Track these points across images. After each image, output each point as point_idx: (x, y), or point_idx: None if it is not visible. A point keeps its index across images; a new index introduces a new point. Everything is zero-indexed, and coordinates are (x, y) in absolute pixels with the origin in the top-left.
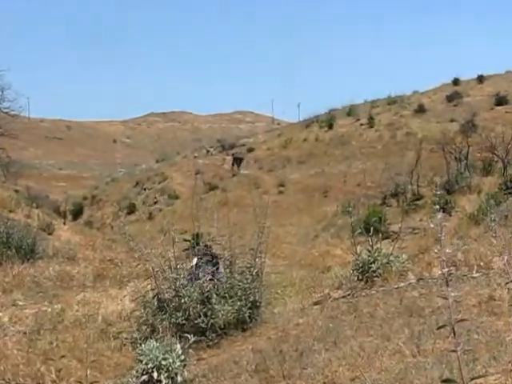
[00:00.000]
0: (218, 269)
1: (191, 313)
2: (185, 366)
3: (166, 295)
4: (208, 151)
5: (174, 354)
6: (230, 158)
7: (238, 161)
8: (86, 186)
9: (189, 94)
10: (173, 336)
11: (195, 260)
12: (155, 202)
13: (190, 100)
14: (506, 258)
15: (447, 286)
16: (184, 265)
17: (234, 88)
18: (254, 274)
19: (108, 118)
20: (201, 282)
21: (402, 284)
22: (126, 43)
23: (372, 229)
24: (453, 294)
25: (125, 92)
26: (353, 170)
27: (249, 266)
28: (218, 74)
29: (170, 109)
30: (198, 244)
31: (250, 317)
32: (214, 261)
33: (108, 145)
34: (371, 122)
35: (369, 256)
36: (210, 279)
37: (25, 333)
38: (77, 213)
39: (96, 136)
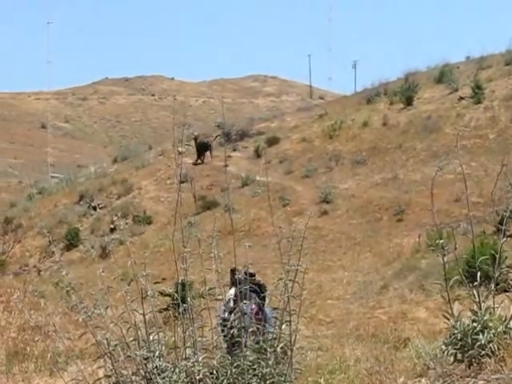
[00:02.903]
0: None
1: None
2: None
3: None
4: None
5: None
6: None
7: (202, 148)
8: None
9: (166, 50)
10: None
11: (233, 291)
12: (112, 230)
13: (171, 60)
14: None
15: None
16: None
17: (245, 39)
18: (278, 350)
19: (33, 88)
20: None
21: None
22: None
23: (479, 275)
24: None
25: (61, 48)
26: (446, 175)
27: (270, 337)
28: (217, 19)
29: (138, 73)
30: (183, 300)
31: None
32: (260, 294)
33: (33, 132)
34: (478, 94)
35: (474, 321)
36: (256, 316)
37: None
38: None
39: (13, 118)
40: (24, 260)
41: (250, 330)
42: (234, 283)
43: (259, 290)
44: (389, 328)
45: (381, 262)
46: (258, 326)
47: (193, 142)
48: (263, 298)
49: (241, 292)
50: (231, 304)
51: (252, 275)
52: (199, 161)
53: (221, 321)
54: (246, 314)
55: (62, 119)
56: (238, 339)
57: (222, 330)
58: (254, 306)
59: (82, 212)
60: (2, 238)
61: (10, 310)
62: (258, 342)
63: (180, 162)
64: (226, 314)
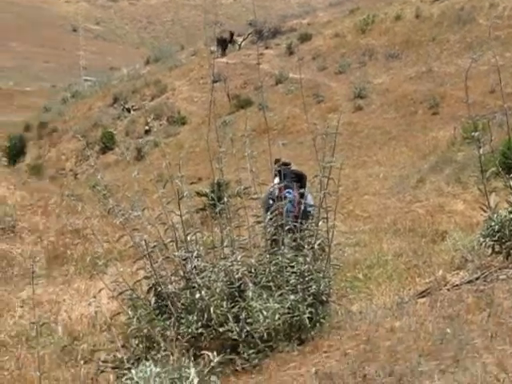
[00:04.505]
0: (303, 194)
1: (213, 316)
2: None
3: (171, 287)
4: (234, 42)
5: None
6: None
7: (222, 44)
8: (28, 107)
9: None
10: (183, 355)
11: (276, 180)
12: (147, 132)
13: None
14: None
15: None
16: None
17: None
18: (316, 247)
19: None
20: (287, 205)
21: None
22: None
23: None
24: None
25: None
26: (481, 66)
27: (307, 234)
28: None
29: None
30: (219, 199)
31: (311, 319)
32: (300, 182)
33: (64, 36)
34: None
35: (511, 213)
36: (299, 203)
37: None
38: (15, 153)
39: (42, 21)
40: (60, 164)
41: (287, 227)
42: (278, 173)
43: (300, 179)
44: (426, 222)
45: (416, 155)
46: (296, 224)
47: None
48: (304, 186)
49: (285, 179)
50: (276, 192)
51: (287, 164)
52: (219, 55)
53: (267, 207)
54: (290, 201)
55: (92, 22)
56: (275, 237)
57: (269, 218)
58: (296, 193)
59: (116, 114)
60: (37, 142)
61: (47, 215)
62: (295, 240)
63: (213, 62)
64: (271, 202)
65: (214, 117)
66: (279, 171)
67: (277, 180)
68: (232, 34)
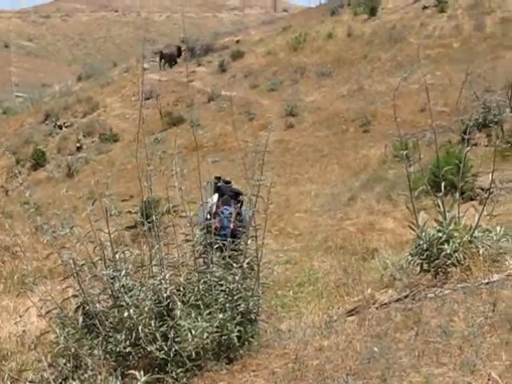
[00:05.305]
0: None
1: (141, 334)
2: None
3: (99, 306)
4: (159, 61)
5: None
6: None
7: (167, 58)
8: None
9: None
10: (111, 374)
11: (216, 197)
12: (79, 149)
13: None
14: None
15: None
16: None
17: None
18: (245, 265)
19: None
20: (224, 221)
21: (497, 277)
22: None
23: (445, 185)
24: None
25: None
26: (411, 85)
27: (236, 252)
28: None
29: None
30: (147, 218)
31: (239, 338)
32: (238, 199)
33: None
34: (441, 2)
35: (439, 231)
36: (238, 220)
37: None
38: None
39: None
40: None
41: (216, 246)
42: (216, 190)
43: (238, 196)
44: (357, 239)
45: (348, 173)
46: (224, 242)
47: (157, 58)
48: (240, 203)
49: (223, 196)
50: (214, 208)
51: (227, 182)
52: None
53: (203, 224)
54: (227, 217)
55: (25, 38)
56: (204, 256)
57: (206, 232)
58: (233, 209)
59: (48, 131)
60: None
61: None
62: (224, 258)
63: (142, 79)
64: (209, 217)
65: (145, 134)
66: (218, 188)
67: (216, 197)
68: (180, 49)
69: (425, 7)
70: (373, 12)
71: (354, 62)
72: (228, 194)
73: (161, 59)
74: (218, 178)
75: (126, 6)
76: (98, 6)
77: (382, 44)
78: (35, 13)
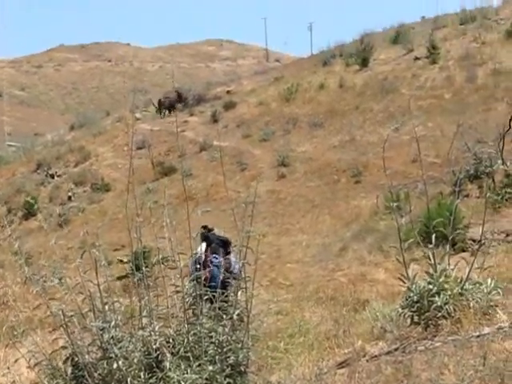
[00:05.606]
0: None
1: None
2: None
3: (88, 357)
4: (158, 110)
5: None
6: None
7: (165, 105)
8: None
9: (122, 16)
10: None
11: (204, 246)
12: (70, 198)
13: (125, 26)
14: None
15: None
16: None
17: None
18: (234, 317)
19: None
20: (214, 270)
21: (487, 330)
22: None
23: (437, 236)
24: None
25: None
26: (403, 136)
27: (226, 304)
28: None
29: (93, 39)
30: (138, 268)
31: None
32: (226, 248)
33: None
34: (433, 54)
35: (430, 283)
36: (226, 270)
37: None
38: None
39: None
40: None
41: (206, 297)
42: (204, 239)
43: (225, 244)
44: (348, 290)
45: (339, 224)
46: (214, 294)
47: (152, 107)
48: (229, 252)
49: (211, 245)
50: (202, 257)
51: (210, 230)
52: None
53: (193, 275)
54: (217, 265)
55: (17, 87)
56: (193, 307)
57: (195, 283)
58: (221, 259)
59: (40, 180)
60: None
61: None
62: (214, 309)
63: (134, 129)
64: (198, 266)
65: (137, 183)
66: (206, 237)
67: (204, 245)
68: (180, 94)
69: (416, 58)
70: (365, 63)
71: (346, 113)
72: (216, 242)
73: (160, 106)
74: (205, 227)
75: (119, 55)
76: (90, 55)
77: (373, 95)
78: (28, 62)
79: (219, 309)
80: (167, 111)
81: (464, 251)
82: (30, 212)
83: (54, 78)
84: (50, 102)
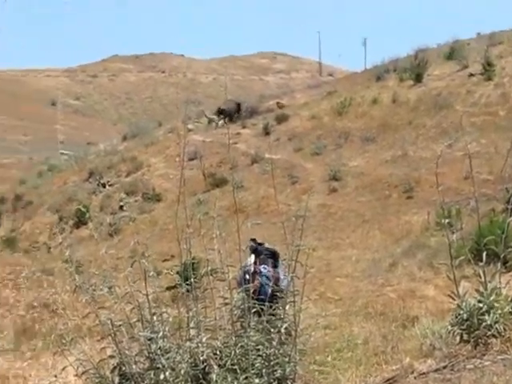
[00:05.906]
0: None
1: None
2: None
3: (135, 367)
4: (211, 120)
5: None
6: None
7: (229, 115)
8: (4, 180)
9: (177, 27)
10: None
11: (253, 258)
12: (121, 208)
13: (179, 37)
14: None
15: None
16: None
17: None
18: (282, 330)
19: (43, 65)
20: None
21: None
22: None
23: (488, 254)
24: None
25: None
26: (456, 152)
27: (274, 317)
28: None
29: (147, 50)
30: (186, 280)
31: None
32: (275, 260)
33: (43, 110)
34: (488, 70)
35: (480, 301)
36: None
37: None
38: None
39: (22, 95)
40: (34, 237)
41: (254, 310)
42: (253, 251)
43: (274, 256)
44: (397, 306)
45: (390, 239)
46: (262, 307)
47: (204, 119)
48: (276, 265)
49: (259, 258)
50: (252, 268)
51: (261, 244)
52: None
53: (242, 286)
54: (266, 275)
55: (72, 96)
56: (241, 319)
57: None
58: (270, 269)
59: (91, 189)
60: (12, 214)
61: (18, 288)
62: (262, 322)
63: (186, 140)
64: (248, 277)
65: (188, 194)
66: (255, 249)
67: (253, 257)
68: (239, 105)
69: (471, 75)
70: (418, 78)
71: (399, 128)
72: (264, 253)
73: (219, 115)
74: (253, 240)
75: (173, 66)
76: (144, 66)
77: (427, 110)
78: (82, 72)
79: (267, 322)
80: (226, 119)
81: None
82: (81, 220)
83: (108, 87)
84: (104, 111)
